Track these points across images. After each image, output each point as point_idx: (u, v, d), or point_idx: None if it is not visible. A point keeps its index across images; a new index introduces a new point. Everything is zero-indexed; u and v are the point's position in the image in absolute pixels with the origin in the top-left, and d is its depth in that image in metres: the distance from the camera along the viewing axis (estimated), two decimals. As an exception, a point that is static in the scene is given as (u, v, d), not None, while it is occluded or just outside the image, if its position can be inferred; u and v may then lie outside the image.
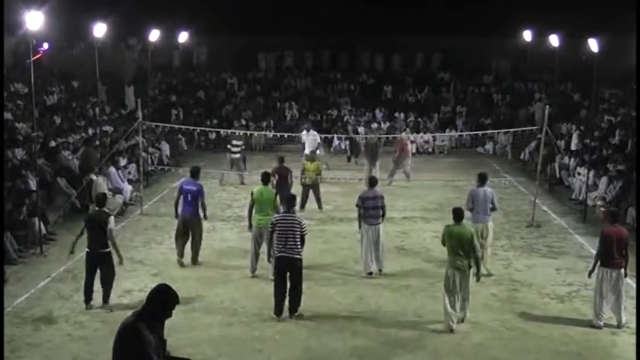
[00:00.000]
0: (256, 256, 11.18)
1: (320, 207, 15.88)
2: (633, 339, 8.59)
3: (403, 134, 20.64)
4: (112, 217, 9.73)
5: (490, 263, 11.45)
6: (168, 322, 5.24)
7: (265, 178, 11.49)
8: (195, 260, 11.73)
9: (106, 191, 14.99)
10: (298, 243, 9.41)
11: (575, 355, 8.50)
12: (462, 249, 9.05)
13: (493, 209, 11.48)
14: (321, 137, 20.09)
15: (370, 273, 11.23)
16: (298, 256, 9.44)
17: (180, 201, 11.69)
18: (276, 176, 14.23)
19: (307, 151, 18.40)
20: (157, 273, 11.18)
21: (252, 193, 11.29)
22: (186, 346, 8.25)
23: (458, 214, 9.27)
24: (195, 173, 11.84)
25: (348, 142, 23.96)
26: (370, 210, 11.15)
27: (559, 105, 27.04)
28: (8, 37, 21.33)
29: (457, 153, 25.88)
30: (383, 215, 11.28)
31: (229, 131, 21.08)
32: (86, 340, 8.64)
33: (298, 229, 9.41)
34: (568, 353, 8.53)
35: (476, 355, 8.46)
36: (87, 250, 9.57)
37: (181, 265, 11.61)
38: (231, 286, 10.73)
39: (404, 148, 19.34)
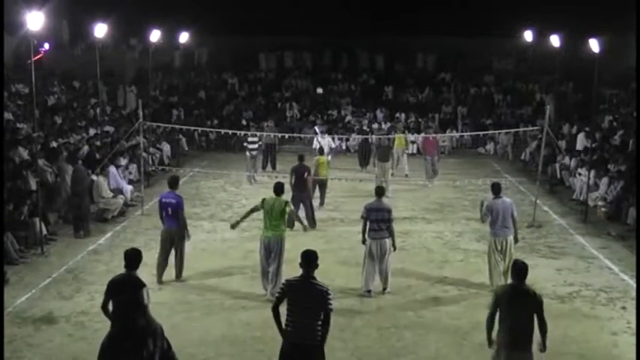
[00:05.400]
0: (265, 275, 10.14)
1: (322, 204, 15.89)
2: (634, 340, 8.57)
3: (433, 135, 20.38)
4: (146, 288, 6.62)
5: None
6: (169, 322, 5.23)
7: (279, 190, 10.32)
8: (179, 276, 10.74)
9: (108, 191, 15.06)
10: (318, 323, 6.45)
11: (576, 355, 8.49)
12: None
13: (513, 222, 10.42)
14: (334, 142, 19.84)
15: (369, 291, 10.35)
16: (316, 343, 6.45)
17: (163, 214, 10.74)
18: (294, 176, 14.15)
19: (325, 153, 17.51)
20: (158, 273, 11.16)
21: (262, 200, 10.31)
22: (187, 346, 8.25)
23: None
24: (173, 184, 10.78)
25: (357, 148, 23.42)
26: (374, 223, 10.30)
27: (561, 105, 27.05)
28: (9, 37, 21.37)
29: (458, 153, 25.87)
30: (389, 230, 10.32)
31: (244, 133, 20.78)
32: (87, 341, 8.61)
33: (320, 303, 6.42)
34: (569, 354, 8.51)
35: (477, 356, 8.44)
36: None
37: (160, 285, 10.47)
38: (232, 287, 10.71)
39: (430, 148, 19.20)
